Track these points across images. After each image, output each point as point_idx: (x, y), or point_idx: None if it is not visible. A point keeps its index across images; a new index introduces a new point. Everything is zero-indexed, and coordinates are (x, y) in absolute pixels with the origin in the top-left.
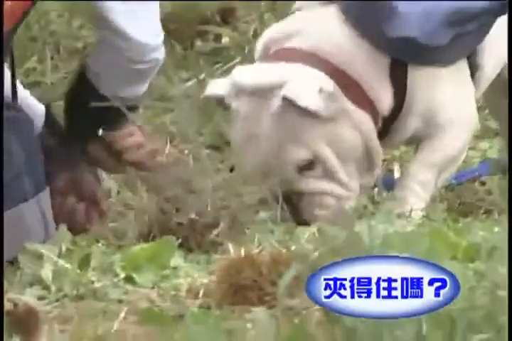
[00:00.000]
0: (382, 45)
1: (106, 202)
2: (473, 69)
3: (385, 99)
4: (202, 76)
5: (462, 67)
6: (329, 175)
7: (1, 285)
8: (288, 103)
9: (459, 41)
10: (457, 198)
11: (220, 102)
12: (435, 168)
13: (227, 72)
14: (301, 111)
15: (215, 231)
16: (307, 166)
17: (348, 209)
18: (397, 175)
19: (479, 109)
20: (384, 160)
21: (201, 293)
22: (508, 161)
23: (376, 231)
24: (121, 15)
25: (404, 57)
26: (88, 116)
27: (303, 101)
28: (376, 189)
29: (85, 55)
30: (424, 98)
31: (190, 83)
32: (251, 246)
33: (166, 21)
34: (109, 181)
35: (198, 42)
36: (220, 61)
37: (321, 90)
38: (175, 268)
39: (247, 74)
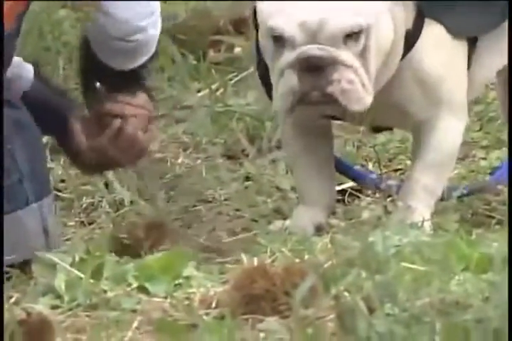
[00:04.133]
0: None
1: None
2: (468, 64)
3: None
4: (214, 86)
5: (465, 55)
6: (363, 55)
7: (1, 286)
8: None
9: (470, 18)
10: (470, 209)
11: None
12: (434, 168)
13: (239, 82)
14: None
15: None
16: (354, 36)
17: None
18: None
19: (491, 119)
20: (397, 170)
21: (214, 302)
22: (508, 167)
23: (390, 242)
24: None
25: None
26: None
27: None
28: (389, 199)
29: None
30: (430, 56)
31: (202, 93)
32: (264, 256)
33: (178, 32)
34: (122, 191)
35: (211, 53)
36: (232, 71)
37: None
38: (188, 277)
39: None
